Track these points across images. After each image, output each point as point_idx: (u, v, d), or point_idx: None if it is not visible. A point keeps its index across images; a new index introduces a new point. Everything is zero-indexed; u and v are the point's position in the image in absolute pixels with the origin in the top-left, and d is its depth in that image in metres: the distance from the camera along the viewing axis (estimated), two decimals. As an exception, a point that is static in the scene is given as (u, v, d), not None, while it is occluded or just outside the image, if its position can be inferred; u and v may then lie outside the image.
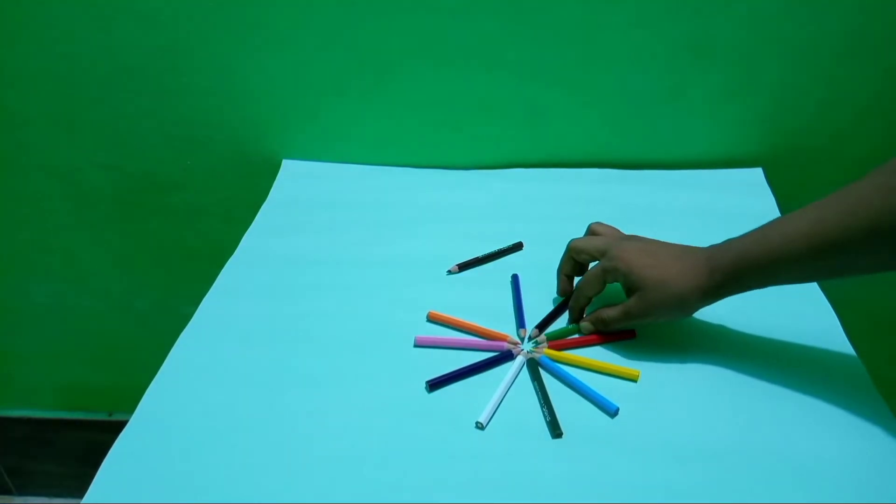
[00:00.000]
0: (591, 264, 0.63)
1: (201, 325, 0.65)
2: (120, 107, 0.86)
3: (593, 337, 0.62)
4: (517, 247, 0.73)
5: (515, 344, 0.62)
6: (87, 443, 1.21)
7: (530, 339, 0.63)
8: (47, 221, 0.97)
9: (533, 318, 0.65)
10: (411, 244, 0.74)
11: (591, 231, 0.66)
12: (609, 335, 0.62)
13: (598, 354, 0.61)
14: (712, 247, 0.57)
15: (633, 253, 0.58)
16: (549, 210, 0.79)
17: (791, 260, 0.51)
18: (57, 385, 1.17)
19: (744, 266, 0.53)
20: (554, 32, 0.77)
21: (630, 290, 0.58)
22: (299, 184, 0.85)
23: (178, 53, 0.81)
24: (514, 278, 0.69)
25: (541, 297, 0.67)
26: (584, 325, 0.62)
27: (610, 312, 0.60)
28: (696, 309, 0.57)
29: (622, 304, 0.59)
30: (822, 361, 0.59)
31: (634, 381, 0.58)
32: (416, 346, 0.62)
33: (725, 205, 0.78)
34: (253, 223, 0.78)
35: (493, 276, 0.70)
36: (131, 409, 0.56)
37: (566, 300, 0.66)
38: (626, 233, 0.65)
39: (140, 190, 0.93)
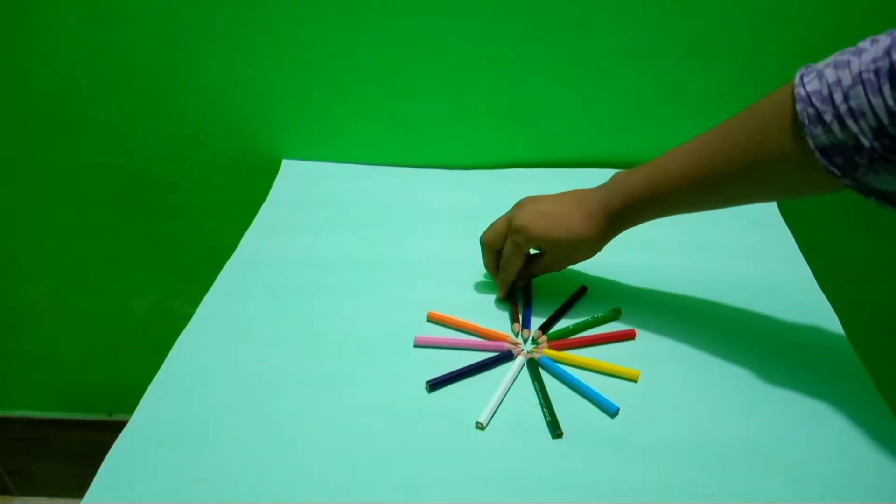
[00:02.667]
0: None
1: (201, 325, 0.65)
2: (120, 107, 0.86)
3: (593, 337, 0.62)
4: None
5: (515, 344, 0.62)
6: (87, 443, 1.21)
7: (533, 340, 0.63)
8: (47, 221, 0.97)
9: (533, 319, 0.65)
10: (411, 244, 0.74)
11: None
12: (608, 334, 0.62)
13: (598, 354, 0.61)
14: (603, 189, 0.61)
15: (530, 220, 0.62)
16: (549, 210, 0.79)
17: (675, 197, 0.57)
18: (57, 385, 1.17)
19: (635, 207, 0.59)
20: (554, 32, 0.77)
21: (543, 250, 0.64)
22: (299, 184, 0.85)
23: (178, 53, 0.81)
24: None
25: (540, 298, 0.67)
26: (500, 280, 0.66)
27: (534, 270, 0.66)
28: (602, 247, 0.62)
29: (542, 260, 0.65)
30: (822, 361, 0.59)
31: (634, 381, 0.58)
32: (416, 346, 0.62)
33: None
34: (253, 223, 0.78)
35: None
36: (131, 409, 0.56)
37: (566, 303, 0.66)
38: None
39: (140, 190, 0.92)
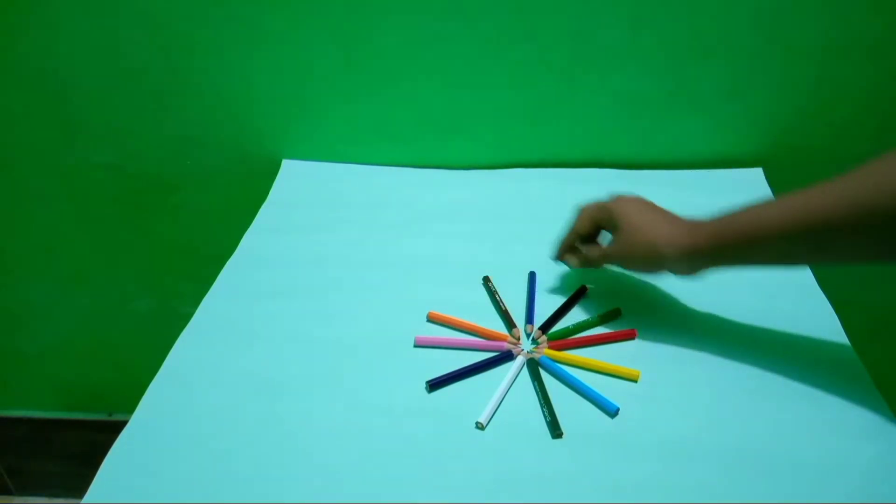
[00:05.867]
0: None
1: (201, 325, 0.65)
2: (120, 107, 0.86)
3: (593, 337, 0.62)
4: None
5: (515, 344, 0.62)
6: (87, 443, 1.21)
7: (534, 339, 0.63)
8: (47, 221, 0.97)
9: (529, 318, 0.65)
10: (411, 244, 0.74)
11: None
12: (608, 334, 0.62)
13: (598, 354, 0.61)
14: (694, 219, 0.59)
15: (626, 201, 0.62)
16: (549, 210, 0.79)
17: (765, 243, 0.52)
18: (57, 385, 1.17)
19: (722, 236, 0.55)
20: (554, 32, 0.77)
21: (614, 231, 0.61)
22: (299, 184, 0.85)
23: (178, 53, 0.81)
24: (532, 276, 0.69)
25: (541, 298, 0.67)
26: (568, 256, 0.66)
27: (591, 249, 0.64)
28: (672, 267, 0.58)
29: (603, 247, 0.63)
30: (823, 361, 0.59)
31: (634, 381, 0.58)
32: (416, 346, 0.62)
33: (725, 205, 0.77)
34: (253, 223, 0.78)
35: (494, 275, 0.70)
36: (131, 409, 0.56)
37: (566, 303, 0.66)
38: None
39: (140, 190, 0.93)
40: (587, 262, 0.65)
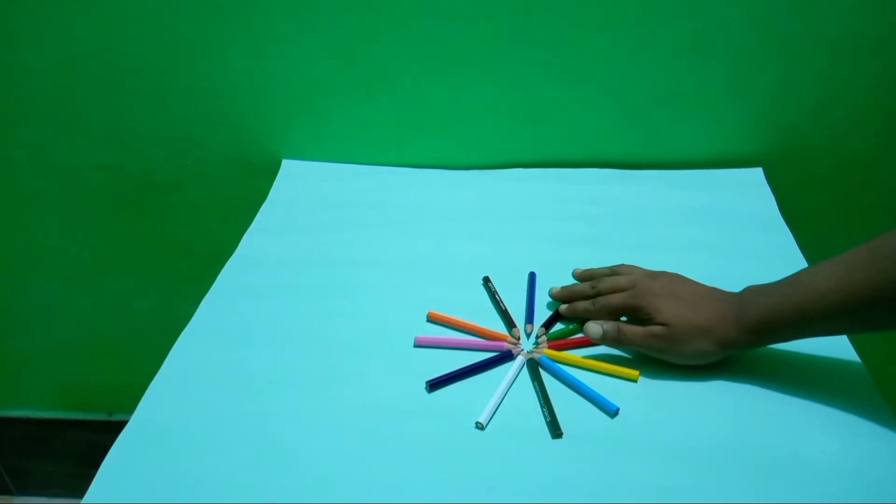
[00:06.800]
0: None
1: (201, 325, 0.65)
2: (120, 107, 0.86)
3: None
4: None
5: (515, 344, 0.62)
6: (87, 443, 1.21)
7: (536, 338, 0.63)
8: (47, 221, 0.97)
9: (529, 318, 0.65)
10: (411, 244, 0.74)
11: (614, 272, 0.65)
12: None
13: (598, 354, 0.61)
14: (741, 296, 0.56)
15: (662, 295, 0.57)
16: (549, 210, 0.79)
17: (821, 317, 0.51)
18: (57, 385, 1.17)
19: (774, 322, 0.53)
20: (554, 32, 0.77)
21: (646, 322, 0.58)
22: (299, 184, 0.85)
23: (178, 53, 0.81)
24: (531, 276, 0.69)
25: (540, 298, 0.67)
26: (594, 327, 0.59)
27: (633, 331, 0.58)
28: (715, 360, 0.57)
29: (647, 327, 0.57)
30: (823, 361, 0.59)
31: (634, 381, 0.58)
32: (416, 346, 0.62)
33: (725, 205, 0.78)
34: (253, 223, 0.78)
35: (494, 275, 0.70)
36: (131, 409, 0.56)
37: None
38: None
39: (140, 190, 0.93)
40: (615, 341, 0.59)
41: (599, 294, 0.62)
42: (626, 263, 0.66)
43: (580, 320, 0.62)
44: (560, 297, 0.66)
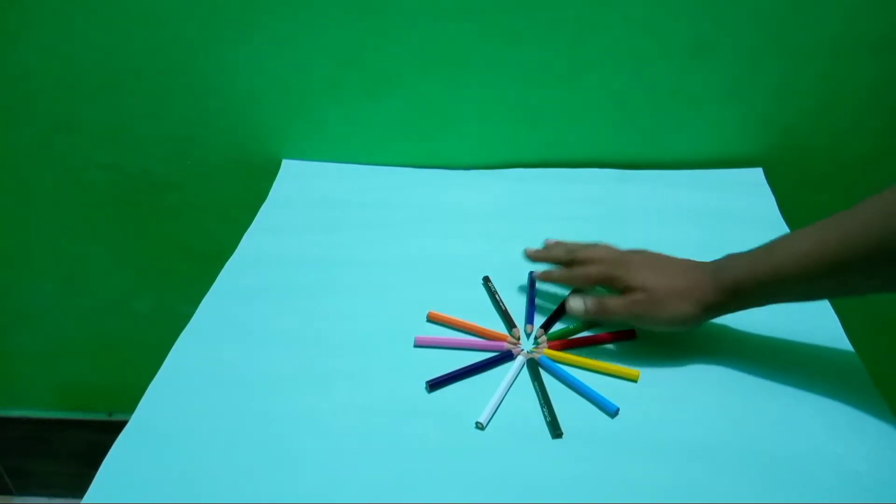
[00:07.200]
0: None
1: (201, 326, 0.65)
2: (120, 107, 0.86)
3: (593, 337, 0.62)
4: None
5: (515, 344, 0.62)
6: (87, 443, 1.21)
7: (536, 339, 0.63)
8: (47, 221, 0.97)
9: (529, 318, 0.65)
10: (411, 244, 0.74)
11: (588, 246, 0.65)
12: (608, 334, 0.62)
13: (598, 354, 0.61)
14: (717, 262, 0.57)
15: (639, 265, 0.59)
16: (549, 210, 0.79)
17: (793, 278, 0.52)
18: (57, 385, 1.17)
19: (747, 283, 0.54)
20: (554, 32, 0.77)
21: (626, 291, 0.59)
22: (299, 184, 0.85)
23: (178, 53, 0.81)
24: (532, 276, 0.69)
25: (541, 298, 0.67)
26: (576, 301, 0.60)
27: (615, 301, 0.59)
28: (697, 324, 0.57)
29: (627, 296, 0.58)
30: (823, 361, 0.59)
31: (634, 381, 0.58)
32: (416, 346, 0.62)
33: (725, 205, 0.78)
34: (253, 223, 0.78)
35: (494, 275, 0.70)
36: (131, 409, 0.56)
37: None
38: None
39: (140, 190, 0.92)
40: (598, 313, 0.60)
41: (574, 262, 0.63)
42: (600, 242, 0.66)
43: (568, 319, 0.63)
44: (535, 257, 0.66)
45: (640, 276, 0.58)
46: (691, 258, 0.60)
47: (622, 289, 0.59)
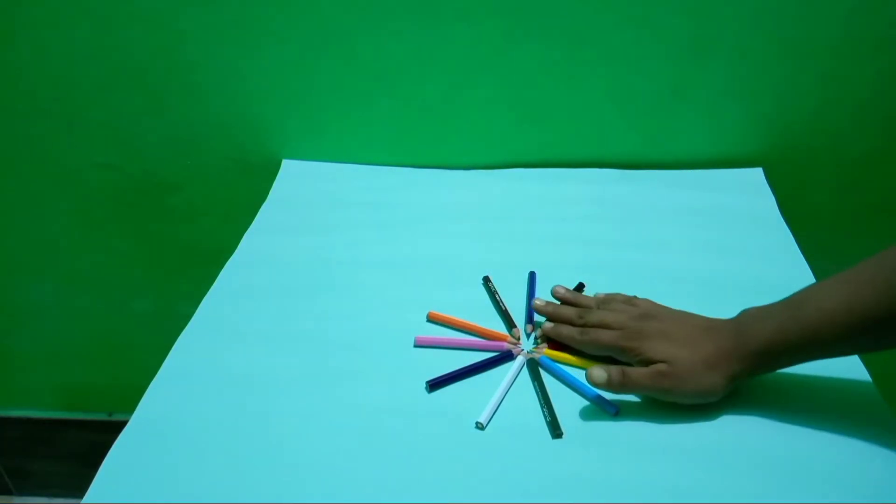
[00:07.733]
0: None
1: (201, 326, 0.65)
2: (120, 107, 0.85)
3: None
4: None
5: (515, 344, 0.62)
6: (87, 443, 1.21)
7: (536, 338, 0.63)
8: (47, 221, 0.97)
9: (529, 318, 0.65)
10: (411, 244, 0.74)
11: (599, 303, 0.62)
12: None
13: (597, 355, 0.61)
14: (738, 323, 0.54)
15: (655, 336, 0.55)
16: (549, 210, 0.79)
17: (831, 339, 0.49)
18: (57, 385, 1.17)
19: (778, 347, 0.51)
20: (554, 32, 0.77)
21: (641, 365, 0.55)
22: (299, 184, 0.85)
23: (178, 53, 0.81)
24: (531, 276, 0.69)
25: (540, 297, 0.67)
26: (598, 372, 0.54)
27: (638, 373, 0.54)
28: (725, 393, 0.53)
29: (651, 368, 0.54)
30: (822, 361, 0.59)
31: (634, 381, 0.58)
32: (416, 346, 0.62)
33: (725, 205, 0.78)
34: (253, 223, 0.78)
35: (494, 275, 0.70)
36: (131, 409, 0.56)
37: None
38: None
39: (140, 190, 0.92)
40: (622, 385, 0.54)
41: (586, 325, 0.60)
42: (610, 293, 0.63)
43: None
44: (545, 312, 0.63)
45: (660, 349, 0.54)
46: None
47: (637, 361, 0.55)
